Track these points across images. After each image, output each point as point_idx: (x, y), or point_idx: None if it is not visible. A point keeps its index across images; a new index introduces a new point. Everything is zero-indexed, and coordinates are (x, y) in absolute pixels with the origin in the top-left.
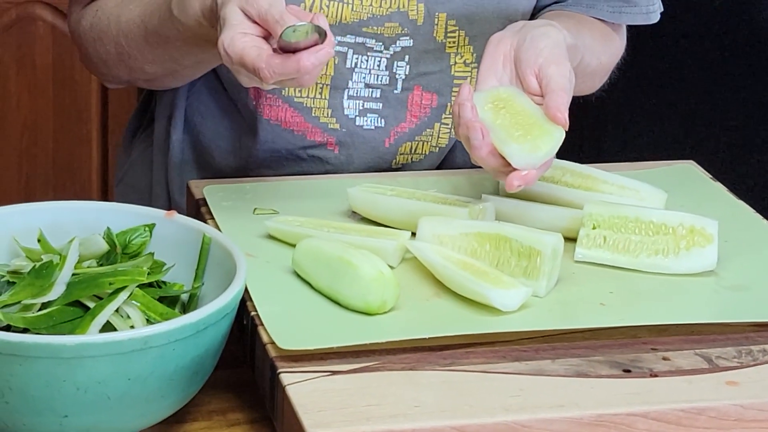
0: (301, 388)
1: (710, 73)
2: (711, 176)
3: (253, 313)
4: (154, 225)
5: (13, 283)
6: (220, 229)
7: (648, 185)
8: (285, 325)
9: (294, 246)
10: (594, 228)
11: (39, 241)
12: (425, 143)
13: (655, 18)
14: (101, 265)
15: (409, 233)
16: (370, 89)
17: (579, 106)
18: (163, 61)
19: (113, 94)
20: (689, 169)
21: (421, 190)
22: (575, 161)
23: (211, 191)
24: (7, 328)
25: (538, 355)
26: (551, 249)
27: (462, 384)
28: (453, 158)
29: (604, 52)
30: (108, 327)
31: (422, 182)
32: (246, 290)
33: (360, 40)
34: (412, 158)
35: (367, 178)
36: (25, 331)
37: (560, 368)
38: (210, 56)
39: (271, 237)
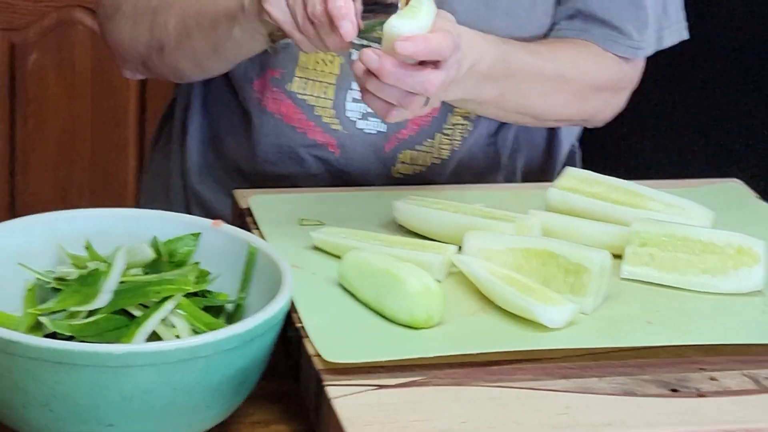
0: (347, 401)
1: (753, 90)
2: (757, 195)
3: (298, 325)
4: (200, 234)
5: (59, 290)
6: (265, 240)
7: (695, 203)
8: (331, 337)
9: (339, 258)
10: (641, 246)
11: (86, 248)
12: (427, 154)
13: (641, 54)
14: (147, 274)
15: (455, 247)
16: None
17: (616, 121)
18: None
19: (151, 99)
20: (735, 188)
21: (467, 204)
22: (614, 176)
23: (256, 201)
24: (53, 335)
25: (585, 372)
26: (599, 266)
27: (509, 401)
28: (461, 174)
29: (577, 68)
30: (154, 336)
31: (468, 196)
32: (292, 302)
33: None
34: (414, 169)
35: (412, 191)
36: (70, 338)
37: (607, 386)
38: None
39: (317, 248)
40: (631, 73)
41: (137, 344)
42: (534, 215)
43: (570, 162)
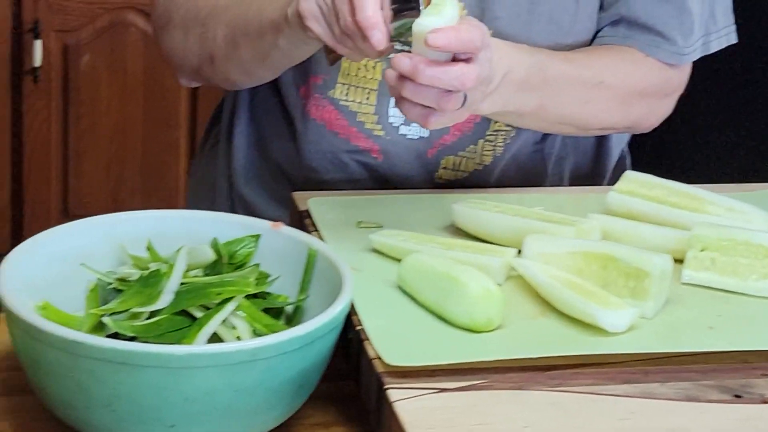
0: (408, 404)
1: None
2: None
3: (359, 328)
4: (260, 236)
5: (121, 290)
6: (324, 242)
7: (755, 207)
8: (391, 340)
9: (398, 260)
10: (702, 250)
11: (147, 249)
12: (469, 160)
13: (686, 60)
14: (207, 275)
15: (515, 251)
16: None
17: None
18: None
19: (202, 101)
20: None
21: (526, 207)
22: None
23: (315, 203)
24: (115, 336)
25: (647, 377)
26: (660, 270)
27: (570, 405)
28: (506, 181)
29: (618, 74)
30: (215, 337)
31: (527, 199)
32: (352, 304)
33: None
34: (456, 175)
35: (470, 194)
36: (132, 339)
37: (670, 391)
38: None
39: (376, 251)
40: (677, 78)
41: (199, 346)
42: (594, 219)
43: (620, 167)
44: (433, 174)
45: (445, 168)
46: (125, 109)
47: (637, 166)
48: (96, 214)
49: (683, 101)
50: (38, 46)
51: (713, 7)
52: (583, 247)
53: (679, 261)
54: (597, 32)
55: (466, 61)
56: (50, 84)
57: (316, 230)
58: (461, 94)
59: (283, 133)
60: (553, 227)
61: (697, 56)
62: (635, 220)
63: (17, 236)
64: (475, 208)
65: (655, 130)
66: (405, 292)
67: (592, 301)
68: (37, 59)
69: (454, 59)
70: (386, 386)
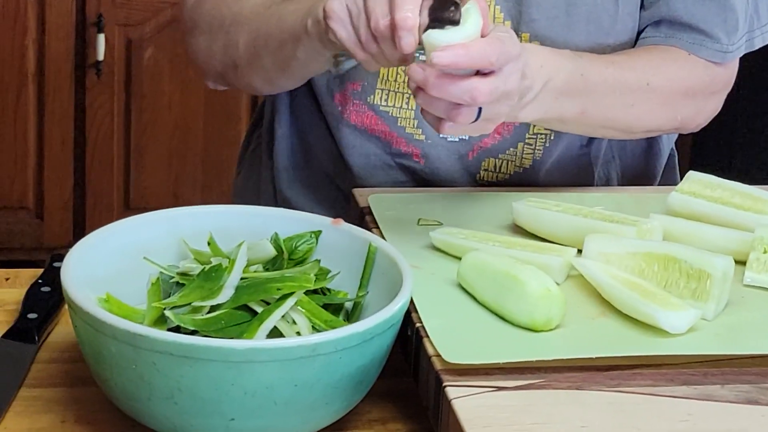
0: (466, 402)
1: None
2: None
3: (418, 325)
4: (320, 232)
5: (182, 284)
6: (384, 239)
7: None
8: (450, 338)
9: (458, 258)
10: (765, 252)
11: (209, 244)
12: (509, 162)
13: (731, 57)
14: (267, 270)
15: (575, 250)
16: None
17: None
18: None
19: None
20: None
21: (587, 206)
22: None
23: (375, 200)
24: (177, 329)
25: (707, 379)
26: (722, 272)
27: (629, 406)
28: (551, 183)
29: (662, 75)
30: (275, 332)
31: (587, 198)
32: (411, 301)
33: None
34: (497, 176)
35: (531, 193)
36: (194, 333)
37: (730, 394)
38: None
39: (435, 248)
40: (723, 75)
41: (259, 340)
42: (655, 219)
43: (669, 168)
44: (475, 176)
45: (486, 170)
46: (187, 103)
47: (697, 166)
48: (157, 208)
49: (744, 99)
50: (101, 40)
51: (757, 2)
52: (644, 248)
53: (741, 263)
54: (640, 32)
55: (487, 74)
56: (113, 78)
57: (377, 227)
58: (473, 108)
59: (324, 137)
60: (614, 227)
61: (742, 53)
62: (697, 221)
63: (79, 229)
64: (535, 206)
65: (716, 130)
66: (464, 290)
67: (652, 301)
68: (100, 53)
69: (477, 71)
70: (445, 384)
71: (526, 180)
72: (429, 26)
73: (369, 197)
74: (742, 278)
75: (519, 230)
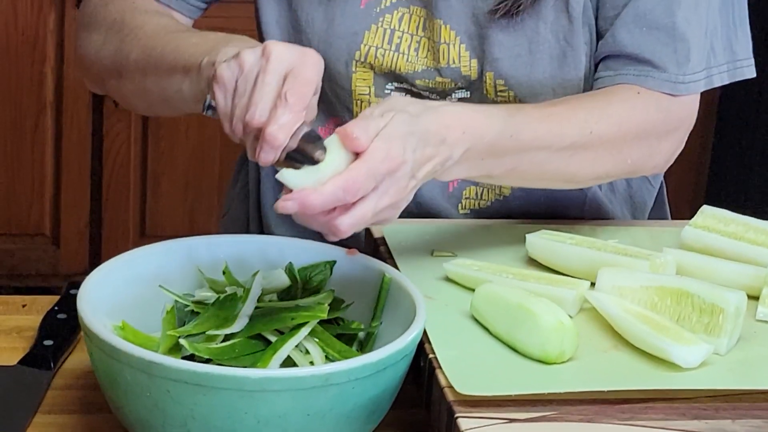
0: None
1: None
2: None
3: (431, 356)
4: (334, 262)
5: (197, 313)
6: (398, 269)
7: None
8: (463, 369)
9: (472, 290)
10: None
11: (224, 273)
12: (490, 191)
13: (684, 89)
14: (281, 299)
15: (588, 283)
16: None
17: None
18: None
19: None
20: None
21: (601, 240)
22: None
23: (390, 230)
24: (191, 357)
25: (718, 414)
26: (734, 307)
27: None
28: (530, 208)
29: (605, 121)
30: (288, 361)
31: (600, 232)
32: (424, 332)
33: (415, 90)
34: (479, 204)
35: (545, 225)
36: (207, 361)
37: (741, 429)
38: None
39: (449, 279)
40: (679, 111)
41: (273, 370)
42: (669, 253)
43: (660, 201)
44: (457, 206)
45: (467, 198)
46: (203, 131)
47: (712, 201)
48: (172, 236)
49: (760, 134)
50: None
51: (730, 39)
52: (657, 281)
53: (754, 298)
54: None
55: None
56: None
57: (391, 257)
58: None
59: None
60: (628, 260)
61: (700, 88)
62: (711, 255)
63: (95, 256)
64: (549, 239)
65: (730, 164)
66: (478, 322)
67: (665, 335)
68: None
69: None
70: (457, 415)
71: (505, 208)
72: (286, 161)
73: (383, 228)
74: (755, 313)
75: (533, 262)
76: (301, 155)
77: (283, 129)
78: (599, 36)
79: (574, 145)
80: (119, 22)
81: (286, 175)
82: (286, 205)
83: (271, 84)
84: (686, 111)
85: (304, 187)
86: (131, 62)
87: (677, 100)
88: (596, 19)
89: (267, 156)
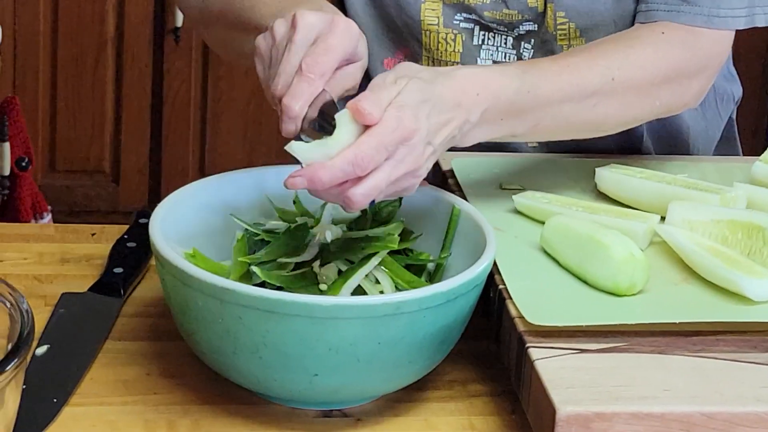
0: (549, 363)
1: None
2: None
3: (501, 287)
4: None
5: (267, 242)
6: (467, 201)
7: None
8: (533, 300)
9: (541, 222)
10: None
11: (294, 203)
12: None
13: (718, 23)
14: (351, 230)
15: (658, 216)
16: None
17: None
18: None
19: None
20: None
21: (671, 174)
22: None
23: (459, 164)
24: (261, 285)
25: None
26: None
27: (712, 371)
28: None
29: (630, 66)
30: (358, 291)
31: (669, 167)
32: (494, 263)
33: (483, 23)
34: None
35: (614, 159)
36: (278, 288)
37: None
38: None
39: (518, 212)
40: (709, 48)
41: (345, 297)
42: (739, 188)
43: (726, 138)
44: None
45: None
46: None
47: None
48: None
49: None
50: None
51: None
52: (728, 215)
53: None
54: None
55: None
56: (191, 44)
57: (459, 190)
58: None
59: None
60: (698, 194)
61: (739, 25)
62: None
63: (154, 194)
64: (618, 172)
65: None
66: (547, 254)
67: (736, 269)
68: (179, 20)
69: None
70: (527, 345)
71: (575, 140)
72: (312, 131)
73: (452, 161)
74: None
75: (602, 196)
76: (327, 124)
77: (296, 98)
78: None
79: (596, 93)
80: None
81: (295, 147)
82: (295, 181)
83: (297, 54)
84: (717, 48)
85: (313, 162)
86: (214, 15)
87: (707, 36)
88: None
89: (288, 126)
